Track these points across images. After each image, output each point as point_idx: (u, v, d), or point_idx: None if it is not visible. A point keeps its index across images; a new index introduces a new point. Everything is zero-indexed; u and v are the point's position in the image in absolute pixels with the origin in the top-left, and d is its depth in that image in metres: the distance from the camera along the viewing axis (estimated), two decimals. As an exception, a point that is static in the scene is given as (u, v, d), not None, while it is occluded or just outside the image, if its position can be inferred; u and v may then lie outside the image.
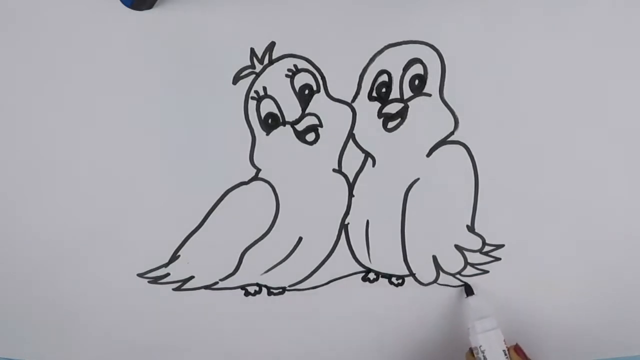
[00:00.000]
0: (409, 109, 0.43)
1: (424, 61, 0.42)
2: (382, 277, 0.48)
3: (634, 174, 0.46)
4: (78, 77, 0.41)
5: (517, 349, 0.46)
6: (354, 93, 0.43)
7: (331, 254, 0.47)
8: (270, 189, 0.45)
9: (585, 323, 0.50)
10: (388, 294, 0.48)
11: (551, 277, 0.48)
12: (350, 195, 0.45)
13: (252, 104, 0.42)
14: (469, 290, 0.48)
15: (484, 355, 0.44)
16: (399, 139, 0.44)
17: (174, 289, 0.47)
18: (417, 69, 0.42)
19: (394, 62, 0.42)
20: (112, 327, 0.48)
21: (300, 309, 0.48)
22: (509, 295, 0.49)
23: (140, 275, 0.46)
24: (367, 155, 0.44)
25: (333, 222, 0.46)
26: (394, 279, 0.48)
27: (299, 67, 0.42)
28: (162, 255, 0.46)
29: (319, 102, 0.43)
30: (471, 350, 0.46)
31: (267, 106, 0.43)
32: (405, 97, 0.43)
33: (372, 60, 0.42)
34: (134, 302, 0.47)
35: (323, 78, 0.42)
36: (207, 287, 0.47)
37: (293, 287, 0.48)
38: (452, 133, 0.44)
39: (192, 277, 0.47)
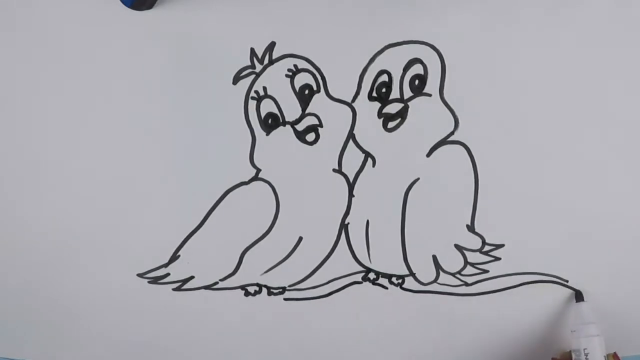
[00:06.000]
0: (409, 109, 0.43)
1: (424, 61, 0.42)
2: (382, 276, 0.48)
3: (634, 173, 0.46)
4: (78, 77, 0.41)
5: (615, 357, 0.47)
6: (354, 93, 0.43)
7: (331, 254, 0.46)
8: (270, 189, 0.45)
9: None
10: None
11: (551, 276, 0.48)
12: (350, 195, 0.45)
13: (252, 104, 0.42)
14: (579, 297, 0.48)
15: (587, 359, 0.45)
16: (399, 139, 0.44)
17: (174, 289, 0.47)
18: (417, 69, 0.42)
19: (394, 62, 0.42)
20: (112, 327, 0.48)
21: (300, 308, 0.48)
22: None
23: (140, 275, 0.46)
24: (367, 155, 0.44)
25: (333, 222, 0.46)
26: (394, 279, 0.48)
27: (299, 67, 0.42)
28: (162, 255, 0.46)
29: (319, 102, 0.43)
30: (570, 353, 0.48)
31: (267, 106, 0.43)
32: (406, 97, 0.43)
33: (372, 60, 0.42)
34: (134, 302, 0.47)
35: (323, 78, 0.42)
36: (207, 287, 0.47)
37: (293, 287, 0.48)
38: (452, 133, 0.44)
39: (192, 277, 0.47)
